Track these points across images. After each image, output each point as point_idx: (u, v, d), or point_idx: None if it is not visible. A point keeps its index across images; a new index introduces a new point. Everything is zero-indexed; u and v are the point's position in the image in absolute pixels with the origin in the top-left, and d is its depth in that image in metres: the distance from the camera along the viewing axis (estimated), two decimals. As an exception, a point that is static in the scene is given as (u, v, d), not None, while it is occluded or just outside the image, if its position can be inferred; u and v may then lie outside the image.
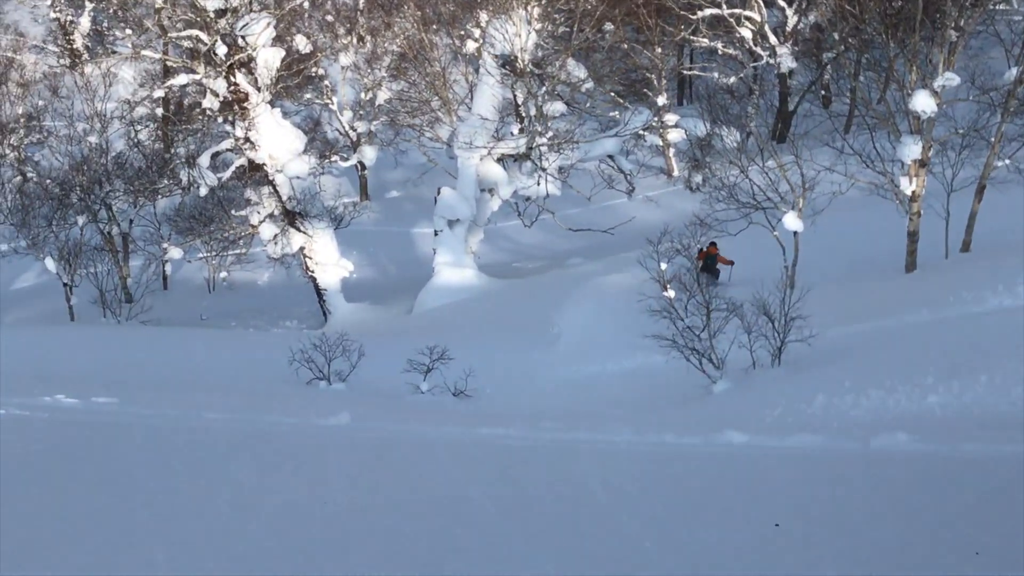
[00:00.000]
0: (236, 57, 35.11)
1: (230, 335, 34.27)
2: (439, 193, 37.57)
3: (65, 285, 37.60)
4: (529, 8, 37.22)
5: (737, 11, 48.74)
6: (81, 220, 39.44)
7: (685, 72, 58.25)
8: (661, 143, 48.17)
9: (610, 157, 39.64)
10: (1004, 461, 12.35)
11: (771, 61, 48.74)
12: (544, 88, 38.17)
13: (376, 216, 50.92)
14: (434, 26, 51.68)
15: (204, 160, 36.87)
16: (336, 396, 22.63)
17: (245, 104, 35.56)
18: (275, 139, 35.95)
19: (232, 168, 37.05)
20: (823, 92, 51.99)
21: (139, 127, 45.30)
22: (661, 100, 48.58)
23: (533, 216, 39.11)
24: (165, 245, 40.76)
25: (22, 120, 56.96)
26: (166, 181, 41.29)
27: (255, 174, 37.28)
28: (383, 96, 52.23)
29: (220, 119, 37.54)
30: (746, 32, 48.70)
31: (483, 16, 39.69)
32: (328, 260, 37.32)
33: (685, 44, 54.85)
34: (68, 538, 10.19)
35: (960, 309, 21.35)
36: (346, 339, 24.76)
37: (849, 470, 12.97)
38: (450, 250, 37.31)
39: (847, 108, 45.26)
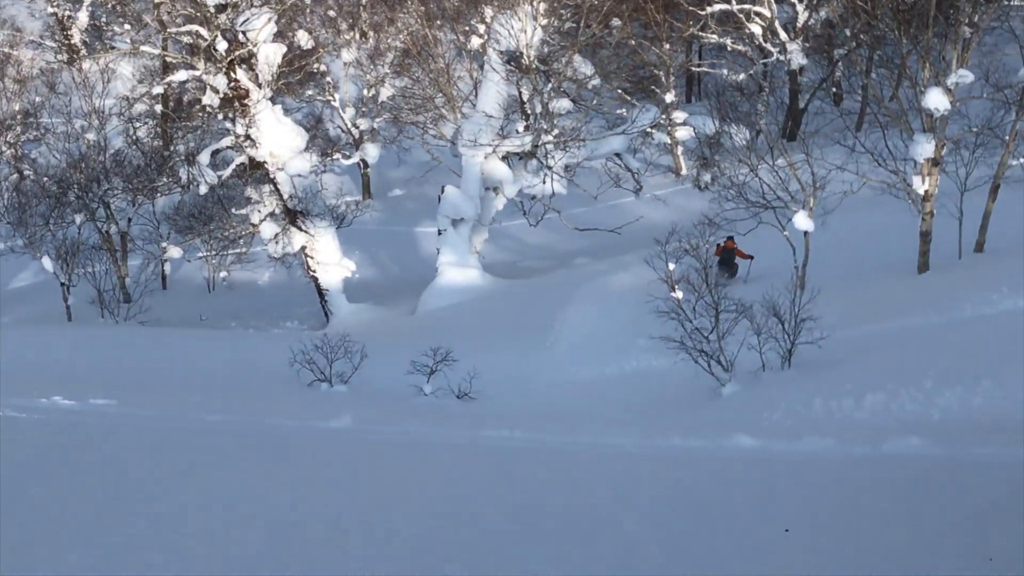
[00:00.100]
0: (236, 53, 35.15)
1: (230, 336, 34.30)
2: (443, 192, 37.60)
3: (62, 285, 37.66)
4: (535, 3, 37.25)
5: (747, 7, 48.73)
6: (79, 219, 39.50)
7: (694, 69, 58.27)
8: (669, 141, 48.19)
9: (617, 155, 39.64)
10: (1018, 466, 12.33)
11: (781, 58, 48.72)
12: (550, 85, 38.18)
13: (379, 215, 50.96)
14: (438, 21, 51.75)
15: (204, 158, 36.93)
16: (338, 398, 22.64)
17: (246, 101, 35.59)
18: (276, 136, 35.98)
19: (232, 166, 37.09)
20: (834, 89, 51.97)
21: (138, 124, 45.37)
22: (669, 97, 48.58)
23: (539, 215, 39.12)
24: (164, 244, 40.82)
25: (19, 117, 57.07)
26: (165, 179, 41.38)
27: (256, 172, 37.32)
28: (386, 93, 52.29)
29: (220, 116, 37.60)
30: (756, 28, 48.69)
31: (488, 11, 39.71)
32: (330, 260, 37.36)
33: (694, 40, 54.85)
34: (65, 541, 10.20)
35: (973, 311, 21.32)
36: (348, 340, 24.77)
37: (860, 474, 12.96)
38: (454, 250, 37.34)
39: (859, 106, 45.27)
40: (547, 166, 37.54)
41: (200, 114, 40.18)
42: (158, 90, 43.50)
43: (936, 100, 24.88)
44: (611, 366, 25.34)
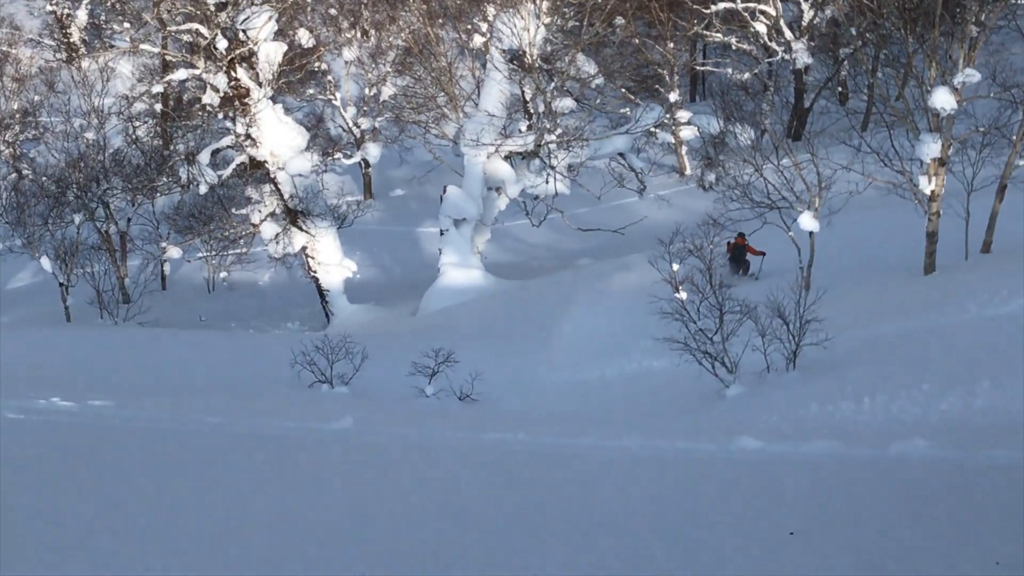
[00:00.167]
0: (237, 51, 35.17)
1: (230, 337, 34.31)
2: (445, 192, 37.59)
3: (61, 285, 37.68)
4: (538, 1, 37.24)
5: (752, 5, 48.71)
6: (78, 218, 39.52)
7: (698, 68, 58.27)
8: (673, 141, 48.14)
9: (621, 155, 39.64)
10: (1025, 468, 12.35)
11: (786, 56, 48.70)
12: (553, 84, 38.19)
13: (380, 215, 50.98)
14: (440, 20, 51.76)
15: (204, 157, 36.96)
16: (339, 400, 22.64)
17: (246, 100, 35.61)
18: (277, 136, 36.01)
19: (233, 165, 37.12)
20: (840, 88, 51.92)
21: (137, 123, 45.42)
22: (673, 96, 48.55)
23: (541, 215, 39.11)
24: (164, 244, 40.86)
25: (17, 116, 57.09)
26: (165, 179, 41.40)
27: (256, 172, 37.35)
28: (387, 92, 52.32)
29: (220, 115, 37.62)
30: (761, 27, 48.67)
31: (490, 10, 39.71)
32: (331, 260, 37.38)
33: (698, 39, 54.84)
34: (64, 543, 10.22)
35: (979, 312, 21.31)
36: (349, 341, 24.77)
37: (866, 476, 12.96)
38: (456, 250, 37.34)
39: (864, 105, 45.19)
40: (550, 166, 37.54)
41: (200, 113, 40.21)
42: (158, 89, 43.54)
43: (942, 99, 24.86)
44: (614, 367, 25.34)
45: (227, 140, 37.10)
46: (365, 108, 53.30)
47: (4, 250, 40.65)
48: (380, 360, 25.14)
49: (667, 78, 49.46)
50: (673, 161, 51.03)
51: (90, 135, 45.75)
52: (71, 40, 63.74)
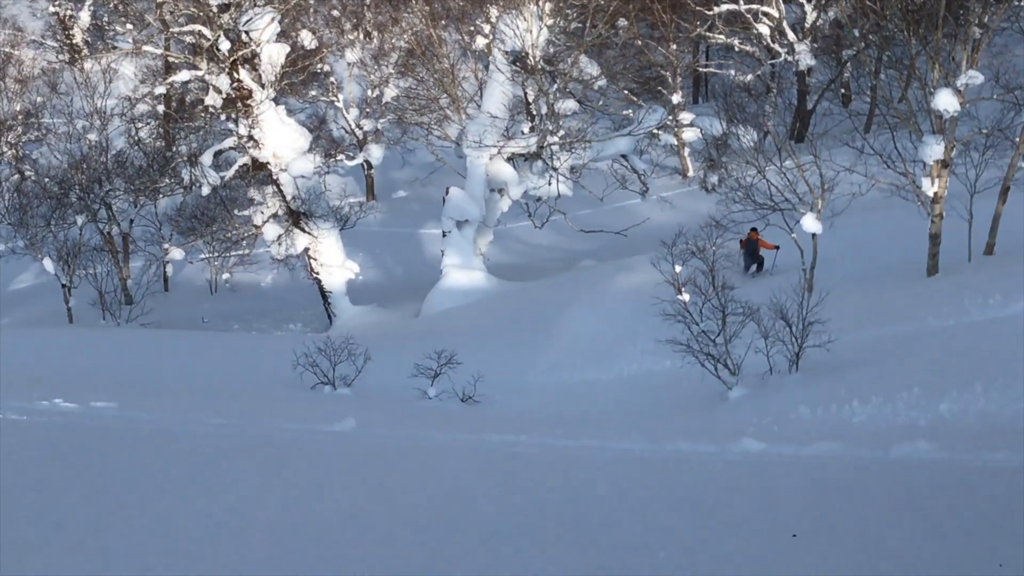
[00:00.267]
0: (240, 53, 35.23)
1: (232, 338, 34.33)
2: (447, 193, 37.63)
3: (64, 286, 37.73)
4: (540, 3, 37.27)
5: (755, 7, 48.74)
6: (80, 220, 39.59)
7: (701, 69, 58.30)
8: (676, 142, 48.19)
9: (623, 157, 39.69)
10: (1029, 471, 12.33)
11: (789, 58, 48.73)
12: (556, 85, 38.21)
13: (383, 216, 51.00)
14: (443, 21, 51.81)
15: (206, 159, 37.01)
16: (341, 401, 22.62)
17: (248, 101, 35.66)
18: (279, 137, 36.05)
19: (235, 167, 37.17)
20: (843, 90, 51.93)
21: (140, 125, 45.46)
22: (676, 98, 48.56)
23: (544, 217, 39.15)
24: (166, 246, 40.91)
25: (20, 117, 57.18)
26: (167, 180, 41.45)
27: (259, 173, 37.40)
28: (390, 93, 52.38)
29: (223, 116, 37.67)
30: (764, 28, 48.70)
31: (493, 11, 39.77)
32: (333, 261, 37.42)
33: (701, 40, 54.88)
34: (65, 544, 10.21)
35: (982, 314, 21.30)
36: (351, 343, 24.77)
37: (869, 479, 12.94)
38: (458, 252, 37.36)
39: (867, 107, 45.21)
40: (552, 167, 37.56)
41: (203, 115, 40.25)
42: (160, 90, 43.60)
43: (946, 101, 24.85)
44: (617, 369, 25.35)
45: (229, 141, 37.15)
46: (368, 109, 53.34)
47: (7, 251, 40.70)
48: (382, 362, 25.13)
49: (670, 80, 49.48)
50: (676, 163, 51.05)
51: (92, 136, 45.77)
52: (74, 41, 63.83)
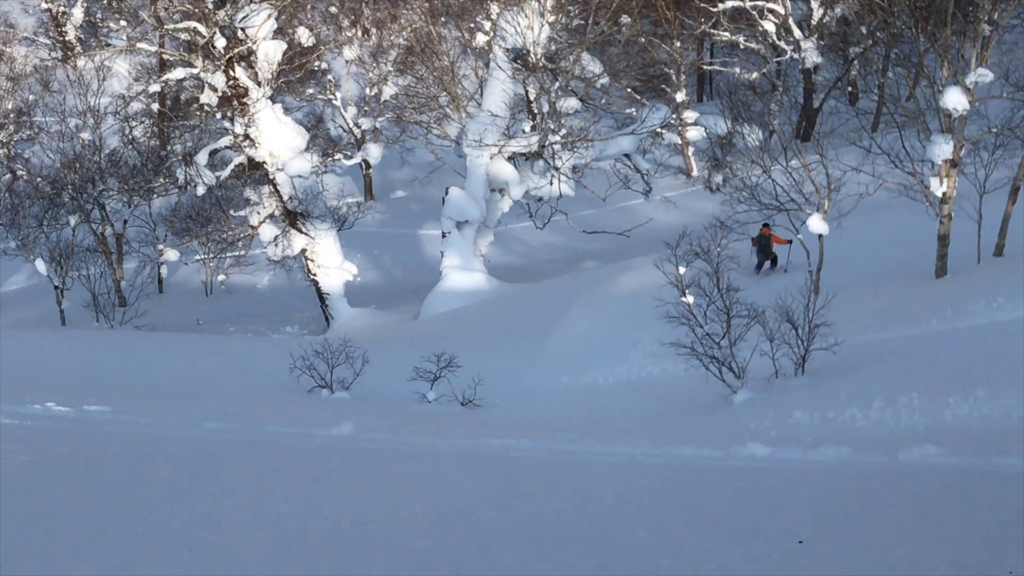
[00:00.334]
0: (235, 50, 35.23)
1: (228, 341, 34.33)
2: (447, 193, 37.62)
3: (56, 288, 37.75)
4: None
5: (760, 3, 48.77)
6: (73, 220, 39.60)
7: (705, 67, 58.32)
8: (680, 141, 48.22)
9: (626, 156, 39.68)
10: (1039, 476, 12.34)
11: (795, 56, 48.74)
12: (557, 83, 38.22)
13: (381, 217, 51.03)
14: (442, 18, 51.84)
15: (202, 158, 36.98)
16: (339, 405, 22.65)
17: (245, 99, 35.66)
18: (276, 136, 36.05)
19: (231, 166, 37.16)
20: (850, 88, 51.98)
21: (134, 123, 45.46)
22: (680, 96, 48.61)
23: (545, 217, 39.15)
24: (161, 247, 40.89)
25: (12, 115, 57.18)
26: (162, 180, 41.44)
27: (255, 173, 37.39)
28: (389, 91, 52.42)
29: (218, 115, 37.67)
30: (769, 25, 48.72)
31: (494, 8, 39.77)
32: (331, 263, 37.41)
33: (705, 38, 54.88)
34: (59, 552, 10.23)
35: (991, 316, 21.29)
36: (349, 345, 24.80)
37: (876, 484, 12.95)
38: (458, 253, 37.36)
39: (875, 105, 45.26)
40: (554, 167, 37.56)
41: (198, 113, 40.24)
42: (155, 88, 43.56)
43: (954, 100, 24.85)
44: (619, 372, 25.36)
45: (225, 140, 37.13)
46: (366, 108, 53.37)
47: (-2, 252, 40.75)
48: (381, 365, 25.16)
49: (674, 78, 49.52)
50: (680, 162, 51.06)
51: (86, 135, 45.73)
52: (67, 38, 63.81)
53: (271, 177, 36.69)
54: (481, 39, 42.11)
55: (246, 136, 36.06)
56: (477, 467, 15.31)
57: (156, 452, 15.21)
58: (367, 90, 53.63)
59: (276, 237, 37.04)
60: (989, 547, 10.23)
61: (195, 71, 36.07)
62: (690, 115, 45.70)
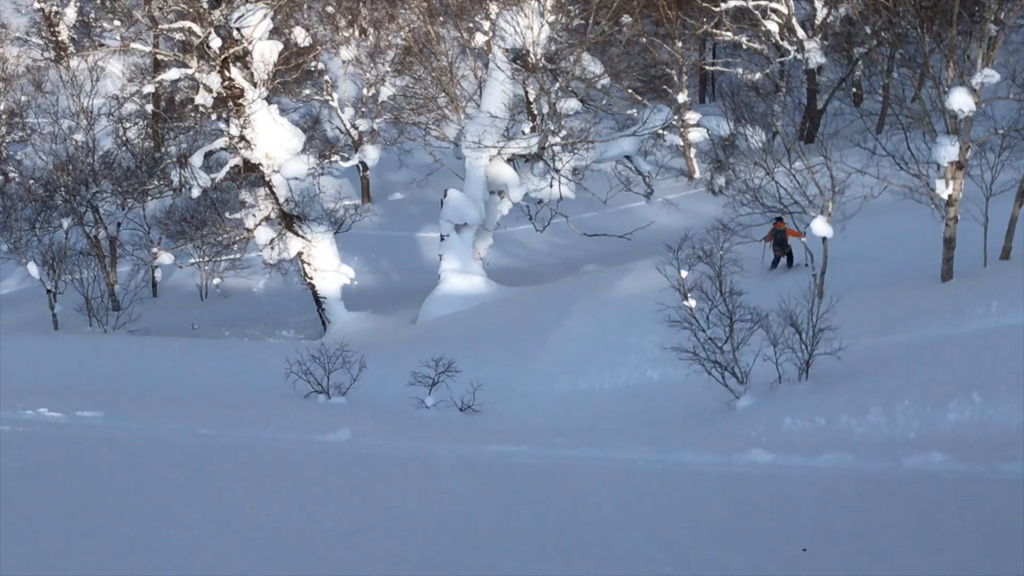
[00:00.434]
0: (231, 50, 35.26)
1: (223, 345, 34.34)
2: (445, 195, 37.63)
3: (49, 292, 37.74)
4: (542, -1, 37.33)
5: (763, 3, 48.78)
6: (66, 223, 39.59)
7: (707, 68, 58.31)
8: (682, 143, 48.22)
9: (627, 158, 39.70)
10: (1046, 483, 12.34)
11: (799, 56, 48.76)
12: (557, 84, 38.25)
13: (378, 220, 51.04)
14: (441, 18, 51.91)
15: (196, 160, 37.00)
16: (336, 410, 22.65)
17: (240, 100, 35.69)
18: (272, 138, 36.07)
19: (226, 168, 37.17)
20: (854, 89, 51.97)
21: (128, 124, 45.45)
22: (682, 97, 48.62)
23: (545, 220, 39.18)
24: (155, 250, 40.93)
25: (4, 117, 57.20)
26: (156, 182, 41.41)
27: (250, 175, 37.42)
28: (386, 92, 52.43)
29: (214, 116, 37.67)
30: (772, 25, 48.73)
31: (493, 7, 39.80)
32: (327, 266, 37.42)
33: (707, 38, 54.90)
34: (52, 560, 10.23)
35: (998, 320, 21.29)
36: (346, 350, 24.79)
37: (881, 491, 12.96)
38: (457, 256, 37.38)
39: (879, 106, 45.24)
40: (554, 169, 37.59)
41: (193, 114, 40.24)
42: (149, 89, 43.58)
43: (960, 101, 24.86)
44: (620, 377, 25.36)
45: (220, 142, 37.15)
46: (363, 109, 53.39)
47: (-10, 256, 40.74)
48: (378, 370, 25.15)
49: (675, 78, 49.53)
50: (681, 164, 51.07)
51: (79, 137, 45.80)
52: (59, 38, 63.80)
53: (267, 179, 36.70)
54: (480, 39, 42.14)
55: (242, 138, 36.08)
56: (476, 473, 15.31)
57: (150, 458, 15.21)
58: (364, 91, 53.65)
59: (272, 240, 37.06)
60: (996, 555, 10.23)
61: (190, 72, 36.10)
62: (692, 116, 45.71)
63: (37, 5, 64.99)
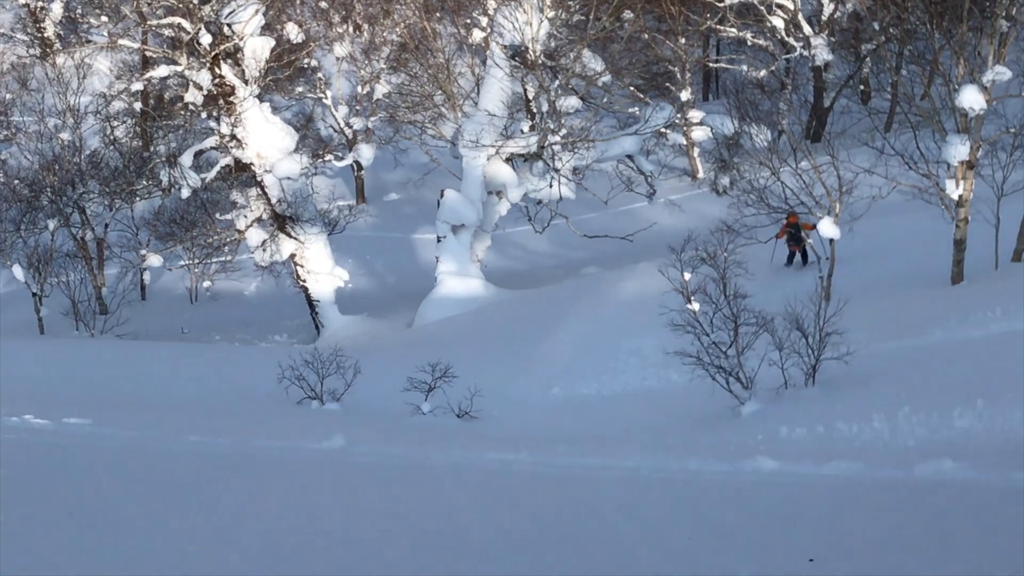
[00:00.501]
0: (222, 47, 35.26)
1: (214, 350, 34.34)
2: (442, 196, 37.64)
3: (34, 295, 37.73)
4: (541, -6, 37.33)
5: (768, -2, 48.80)
6: (52, 224, 39.60)
7: (711, 65, 58.32)
8: (685, 142, 48.25)
9: (629, 157, 39.68)
10: (1060, 491, 12.33)
11: (805, 53, 48.75)
12: (557, 82, 38.24)
13: (373, 221, 51.01)
14: (437, 13, 51.89)
15: (186, 159, 36.98)
16: (329, 417, 22.65)
17: (231, 98, 35.68)
18: (264, 136, 36.06)
19: (217, 168, 37.16)
20: (862, 87, 52.02)
21: (116, 123, 45.44)
22: (685, 95, 48.64)
23: (545, 221, 39.18)
24: (143, 252, 40.88)
25: (-12, 115, 57.15)
26: (145, 182, 41.42)
27: (242, 175, 37.41)
28: (381, 90, 52.40)
29: (204, 114, 37.65)
30: (778, 21, 48.73)
31: (491, 3, 39.79)
32: (321, 268, 37.40)
33: (711, 34, 54.91)
34: (37, 570, 10.22)
35: (1009, 324, 21.29)
36: (340, 355, 24.78)
37: (890, 500, 12.95)
38: (454, 258, 37.37)
39: (888, 105, 45.28)
40: (554, 168, 37.58)
41: (182, 112, 40.21)
42: (137, 87, 43.55)
43: (971, 99, 24.88)
44: (622, 382, 25.35)
45: (211, 141, 37.13)
46: (357, 107, 53.39)
47: (-27, 258, 40.73)
48: (373, 375, 25.14)
49: (678, 75, 49.57)
50: (685, 163, 51.10)
51: (65, 136, 45.76)
52: (45, 35, 63.78)
53: (259, 179, 36.70)
54: (478, 35, 42.12)
55: (232, 136, 36.07)
56: (474, 482, 15.31)
57: (138, 466, 15.21)
58: (359, 88, 53.66)
59: (264, 242, 37.04)
60: (1008, 566, 10.23)
61: (179, 69, 36.07)
62: (695, 114, 45.70)
63: (22, 1, 64.97)
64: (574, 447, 18.42)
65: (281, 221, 36.96)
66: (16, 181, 44.10)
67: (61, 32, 63.35)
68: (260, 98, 36.92)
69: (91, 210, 40.86)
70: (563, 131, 37.71)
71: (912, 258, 29.19)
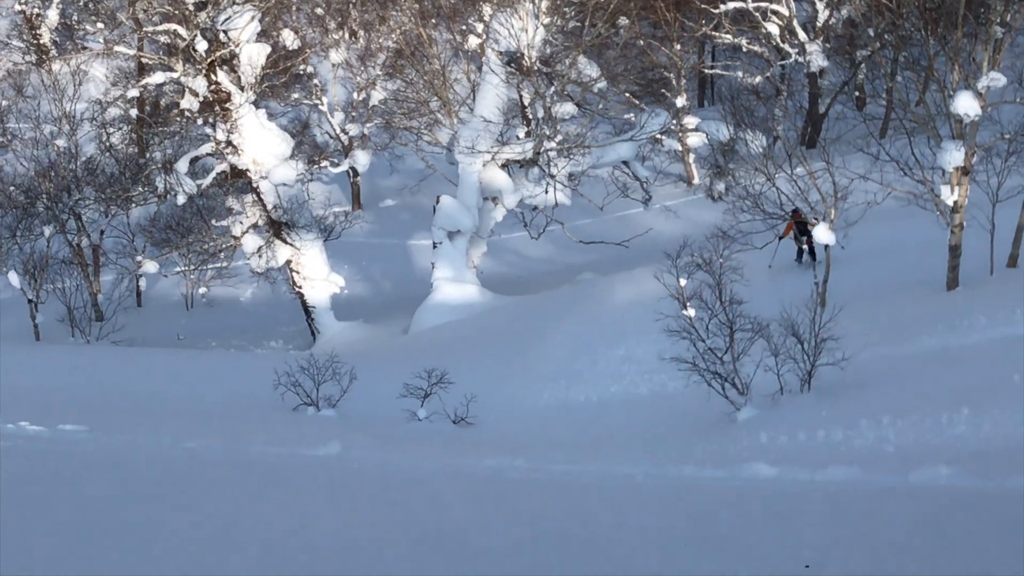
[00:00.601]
0: (218, 54, 35.26)
1: (210, 356, 34.30)
2: (438, 202, 37.64)
3: (30, 301, 37.66)
4: (536, 1, 37.33)
5: (763, 4, 48.90)
6: (48, 231, 39.55)
7: (706, 71, 58.41)
8: (680, 148, 48.30)
9: (624, 163, 39.73)
10: (1056, 497, 12.32)
11: (800, 59, 48.87)
12: (553, 88, 38.27)
13: (369, 227, 51.04)
14: (433, 20, 51.86)
15: (182, 166, 36.98)
16: (325, 423, 22.62)
17: (227, 105, 35.68)
18: (259, 143, 36.07)
19: (212, 174, 37.16)
20: (857, 93, 52.07)
21: (111, 130, 45.39)
22: (680, 101, 48.70)
23: (540, 227, 39.19)
24: (139, 258, 40.86)
25: (-16, 122, 57.11)
26: (140, 188, 41.40)
27: (238, 181, 37.40)
28: (377, 96, 52.44)
29: (200, 121, 37.65)
30: (773, 28, 48.83)
31: (487, 9, 39.82)
32: (317, 275, 37.40)
33: (706, 40, 55.00)
34: (33, 578, 10.20)
35: (1005, 330, 21.32)
36: (336, 361, 24.75)
37: (886, 505, 12.95)
38: (450, 264, 37.36)
39: (883, 111, 45.33)
40: (550, 175, 37.59)
41: (178, 119, 40.20)
42: (133, 93, 43.58)
43: (966, 105, 24.91)
44: (618, 389, 25.33)
45: (207, 147, 37.15)
46: (353, 113, 53.39)
47: (-31, 265, 40.66)
48: (369, 381, 25.11)
49: (674, 82, 49.61)
50: (680, 170, 51.15)
51: (61, 142, 45.69)
52: (41, 41, 63.73)
53: (254, 185, 36.69)
54: (473, 42, 42.20)
55: (228, 143, 36.07)
56: (470, 488, 15.29)
57: (134, 473, 15.17)
58: (355, 95, 53.67)
59: (260, 248, 37.03)
60: (1003, 570, 10.22)
61: (175, 75, 36.07)
62: (691, 121, 45.81)
63: (18, 7, 64.91)
64: (570, 453, 18.41)
65: (277, 227, 36.95)
66: (12, 188, 44.02)
67: (57, 39, 63.29)
68: (256, 104, 36.92)
69: (87, 216, 40.82)
70: (559, 137, 37.73)
71: (907, 264, 29.21)
